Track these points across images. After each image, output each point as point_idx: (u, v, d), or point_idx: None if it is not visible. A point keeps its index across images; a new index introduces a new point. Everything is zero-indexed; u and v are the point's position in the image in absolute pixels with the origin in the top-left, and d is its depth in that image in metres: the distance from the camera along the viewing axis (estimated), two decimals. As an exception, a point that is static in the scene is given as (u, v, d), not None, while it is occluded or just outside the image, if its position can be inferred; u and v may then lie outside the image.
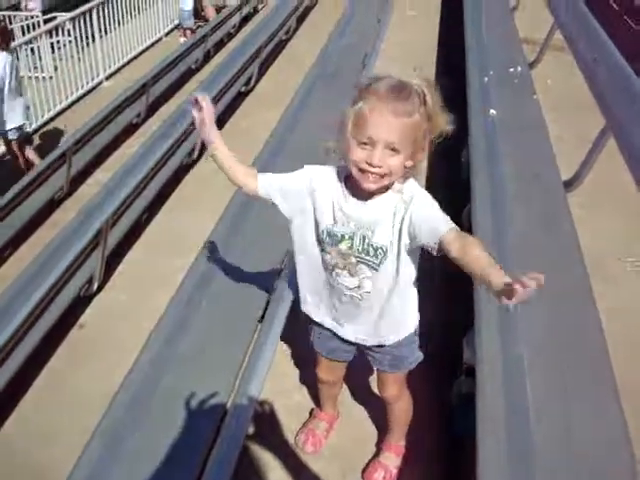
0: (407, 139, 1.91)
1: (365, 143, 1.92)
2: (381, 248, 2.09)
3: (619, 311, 3.55)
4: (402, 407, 2.70)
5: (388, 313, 2.28)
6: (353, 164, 1.97)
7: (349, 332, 2.39)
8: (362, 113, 1.91)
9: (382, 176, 1.96)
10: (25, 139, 6.22)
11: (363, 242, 2.10)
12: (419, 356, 2.49)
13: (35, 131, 7.25)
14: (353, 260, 2.14)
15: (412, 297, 2.31)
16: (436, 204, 2.05)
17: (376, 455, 2.84)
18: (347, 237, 2.11)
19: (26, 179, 5.04)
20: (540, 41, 7.39)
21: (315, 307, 2.42)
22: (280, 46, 9.13)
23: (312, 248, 2.23)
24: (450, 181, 4.89)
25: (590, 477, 2.29)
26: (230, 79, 6.88)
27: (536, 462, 2.29)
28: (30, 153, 6.17)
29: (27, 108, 6.29)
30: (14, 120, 5.93)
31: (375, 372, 2.64)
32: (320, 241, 2.19)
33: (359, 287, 2.20)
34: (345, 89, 6.22)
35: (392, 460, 2.79)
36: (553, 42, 7.17)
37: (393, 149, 1.91)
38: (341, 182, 2.10)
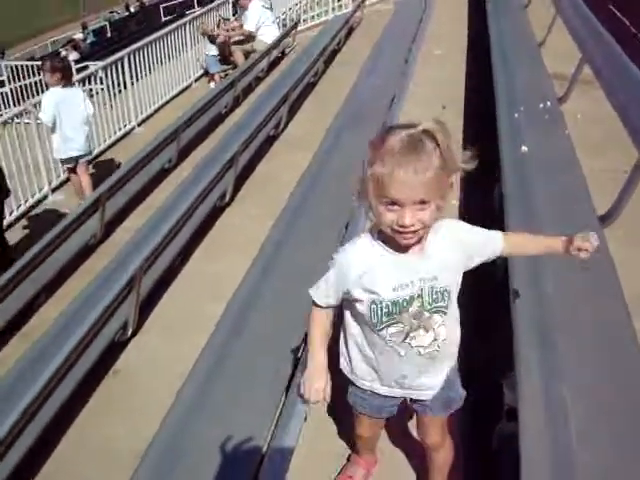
0: (433, 188, 1.87)
1: (392, 203, 1.89)
2: (447, 289, 2.07)
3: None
4: (445, 454, 2.59)
5: (454, 354, 2.28)
6: (385, 226, 1.94)
7: (414, 392, 2.32)
8: (382, 177, 1.86)
9: (417, 231, 1.93)
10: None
11: (432, 292, 2.06)
12: (464, 392, 2.43)
13: (69, 179, 7.37)
14: (426, 315, 2.08)
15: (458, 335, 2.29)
16: (465, 223, 2.17)
17: (417, 502, 2.76)
18: (416, 296, 2.06)
19: (60, 226, 5.10)
20: (568, 76, 7.37)
21: (372, 381, 2.33)
22: (308, 89, 9.21)
23: (375, 331, 2.13)
24: (483, 219, 4.84)
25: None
26: (260, 123, 6.94)
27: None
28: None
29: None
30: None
31: (414, 418, 2.58)
32: (386, 316, 2.09)
33: (435, 339, 2.14)
34: (373, 131, 6.28)
35: (434, 508, 2.71)
36: (582, 76, 7.14)
37: (422, 202, 1.87)
38: (380, 246, 2.03)
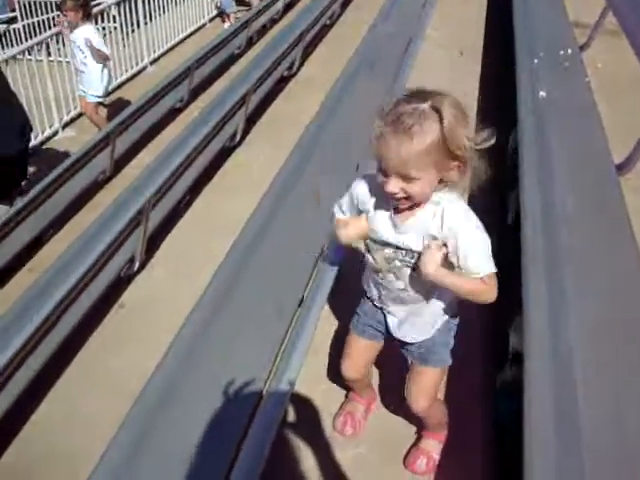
0: (422, 165, 1.85)
1: (381, 169, 1.91)
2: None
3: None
4: (434, 419, 2.64)
5: (433, 312, 2.29)
6: (380, 185, 1.97)
7: (394, 324, 2.39)
8: (375, 139, 1.87)
9: (405, 199, 1.94)
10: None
11: (406, 252, 2.10)
12: (448, 360, 2.43)
13: (80, 115, 7.30)
14: (398, 264, 2.14)
15: (451, 299, 2.29)
16: (475, 223, 2.03)
17: (418, 440, 2.76)
18: (391, 243, 2.11)
19: (69, 161, 5.04)
20: (590, 25, 7.19)
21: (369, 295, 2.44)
22: (324, 32, 9.04)
23: (365, 251, 2.26)
24: (496, 165, 4.77)
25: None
26: (273, 64, 6.81)
27: (585, 450, 2.20)
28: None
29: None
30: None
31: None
32: (367, 245, 2.22)
33: (405, 289, 2.19)
34: (388, 75, 6.15)
35: (434, 446, 2.72)
36: (605, 26, 6.97)
37: (407, 177, 1.86)
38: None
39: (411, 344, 2.39)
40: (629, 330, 2.78)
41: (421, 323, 2.32)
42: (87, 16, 6.22)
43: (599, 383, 2.50)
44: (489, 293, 2.04)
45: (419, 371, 2.44)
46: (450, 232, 1.99)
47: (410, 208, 2.02)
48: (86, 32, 6.18)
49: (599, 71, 6.28)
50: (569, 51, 5.84)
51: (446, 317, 2.33)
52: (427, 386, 2.45)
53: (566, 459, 2.18)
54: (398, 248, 2.10)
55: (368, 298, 2.45)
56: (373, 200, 2.14)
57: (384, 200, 2.07)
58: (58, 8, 7.27)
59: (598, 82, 5.48)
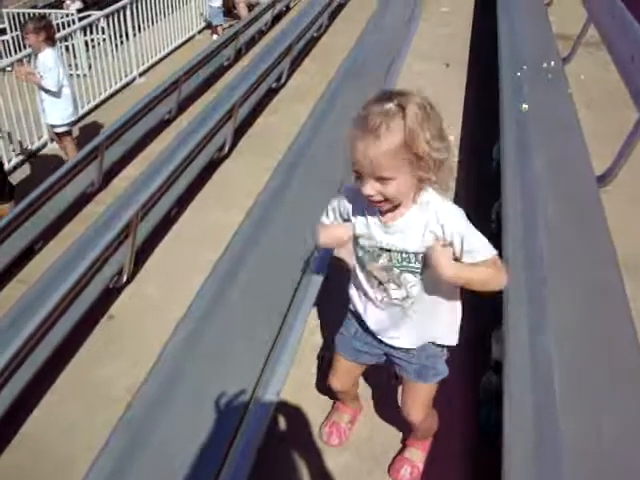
0: (394, 164, 1.83)
1: (357, 172, 1.90)
2: (421, 253, 2.04)
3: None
4: (426, 427, 2.64)
5: (431, 318, 2.23)
6: (358, 189, 1.96)
7: (388, 338, 2.34)
8: (349, 143, 1.87)
9: (382, 201, 1.93)
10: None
11: (401, 253, 2.06)
12: (444, 371, 2.41)
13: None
14: (396, 271, 2.09)
15: (453, 305, 2.26)
16: (464, 216, 2.01)
17: (402, 449, 2.81)
18: (385, 250, 2.08)
19: (58, 173, 5.08)
20: (574, 37, 7.30)
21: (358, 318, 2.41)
22: (312, 43, 9.12)
23: (356, 268, 2.22)
24: (481, 176, 4.85)
25: (617, 473, 2.25)
26: (261, 76, 6.88)
27: (563, 458, 2.25)
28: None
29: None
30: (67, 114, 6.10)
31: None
32: (360, 260, 2.17)
33: (408, 297, 2.15)
34: (374, 85, 6.21)
35: (418, 456, 2.75)
36: (587, 38, 7.08)
37: (381, 178, 1.86)
38: None
39: (405, 361, 2.37)
40: (608, 340, 2.83)
41: (423, 329, 2.26)
42: (48, 39, 5.85)
43: (578, 393, 2.55)
44: (500, 276, 2.01)
45: (415, 387, 2.42)
46: (448, 230, 1.96)
47: (394, 209, 1.99)
48: (45, 57, 5.86)
49: (582, 83, 6.37)
50: (552, 63, 5.93)
51: (448, 318, 2.28)
52: (423, 399, 2.45)
53: (545, 469, 2.23)
54: (391, 251, 2.06)
55: (359, 322, 2.41)
56: (359, 207, 2.10)
57: (369, 206, 2.04)
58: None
59: (581, 94, 5.57)
